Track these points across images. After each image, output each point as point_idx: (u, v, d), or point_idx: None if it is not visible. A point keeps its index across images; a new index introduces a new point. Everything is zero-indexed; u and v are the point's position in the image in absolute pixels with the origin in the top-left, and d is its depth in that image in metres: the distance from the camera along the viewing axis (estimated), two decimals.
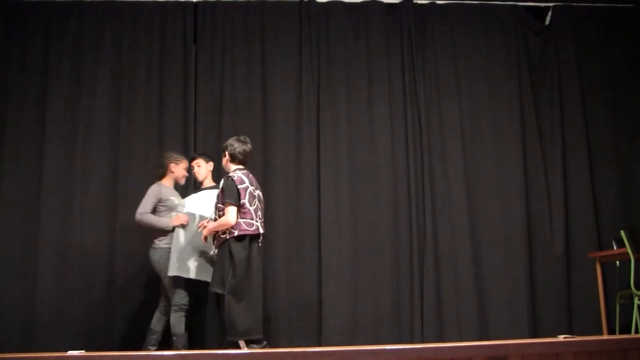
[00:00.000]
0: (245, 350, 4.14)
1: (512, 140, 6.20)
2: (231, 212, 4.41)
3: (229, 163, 4.66)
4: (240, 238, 4.42)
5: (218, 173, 5.34)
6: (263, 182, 5.82)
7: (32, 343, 5.38)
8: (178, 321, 4.76)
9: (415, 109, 6.17)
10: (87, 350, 4.26)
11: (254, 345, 4.34)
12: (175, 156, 5.20)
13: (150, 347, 4.83)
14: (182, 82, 6.04)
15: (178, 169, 5.14)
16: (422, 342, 5.61)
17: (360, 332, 5.70)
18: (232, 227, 4.42)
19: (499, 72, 6.35)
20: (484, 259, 5.96)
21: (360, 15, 6.33)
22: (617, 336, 4.87)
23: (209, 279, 4.68)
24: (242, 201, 4.44)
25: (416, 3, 6.41)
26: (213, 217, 4.67)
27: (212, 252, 4.71)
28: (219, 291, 4.38)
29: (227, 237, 4.43)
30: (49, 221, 5.66)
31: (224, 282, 4.36)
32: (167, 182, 5.14)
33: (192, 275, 4.76)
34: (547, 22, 6.57)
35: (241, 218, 4.44)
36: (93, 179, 5.77)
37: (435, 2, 6.45)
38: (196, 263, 4.78)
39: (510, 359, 3.24)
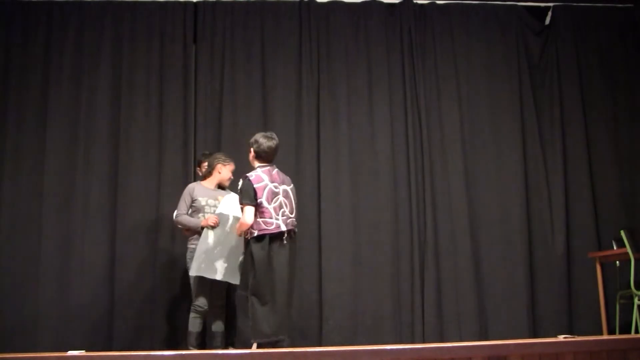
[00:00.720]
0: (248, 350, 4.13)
1: (512, 139, 6.20)
2: (247, 212, 4.35)
3: (254, 160, 4.60)
4: (259, 238, 4.36)
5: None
6: None
7: (33, 343, 5.38)
8: (192, 321, 4.79)
9: (415, 109, 6.17)
10: (87, 350, 4.26)
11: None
12: (224, 158, 5.20)
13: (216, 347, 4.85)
14: (182, 82, 6.04)
15: (225, 171, 5.12)
16: (423, 342, 5.61)
17: (360, 332, 5.70)
18: (252, 227, 4.37)
19: (499, 71, 6.35)
20: (484, 259, 5.96)
21: (360, 15, 6.32)
22: (617, 336, 4.87)
23: (233, 282, 4.71)
24: (259, 200, 4.38)
25: (416, 3, 6.41)
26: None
27: (241, 258, 4.66)
28: (243, 293, 4.41)
29: (249, 238, 4.41)
30: (50, 221, 5.67)
31: (247, 283, 4.35)
32: (208, 183, 5.14)
33: (218, 276, 4.70)
34: (547, 22, 6.57)
35: (260, 217, 4.37)
36: (93, 179, 5.77)
37: (435, 2, 6.45)
38: (225, 264, 4.70)
39: (510, 359, 3.23)
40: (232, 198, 4.86)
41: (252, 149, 4.56)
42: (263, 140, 4.53)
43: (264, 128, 5.99)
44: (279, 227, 4.39)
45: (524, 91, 6.31)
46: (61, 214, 5.70)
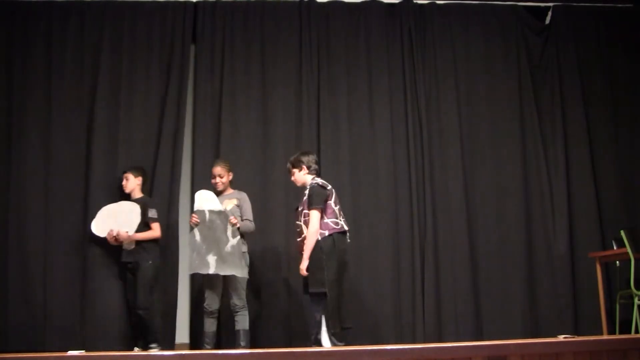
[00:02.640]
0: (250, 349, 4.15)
1: (513, 140, 6.20)
2: (316, 217, 4.68)
3: (305, 175, 4.90)
4: (329, 237, 4.68)
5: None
6: (263, 182, 5.84)
7: (33, 343, 5.38)
8: (204, 321, 4.97)
9: (415, 109, 6.17)
10: (87, 350, 4.26)
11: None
12: None
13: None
14: (181, 82, 6.03)
15: None
16: (423, 342, 5.60)
17: (360, 332, 5.69)
18: (321, 228, 4.67)
19: (499, 71, 6.35)
20: (485, 259, 5.96)
21: (360, 15, 6.33)
22: (617, 336, 4.87)
23: (226, 273, 4.87)
24: (328, 202, 4.73)
25: (416, 3, 6.41)
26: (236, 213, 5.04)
27: (229, 247, 4.89)
28: (321, 290, 4.58)
29: (319, 238, 4.64)
30: (51, 220, 5.66)
31: (322, 281, 4.58)
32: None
33: (211, 270, 4.87)
34: (547, 22, 6.58)
35: (328, 218, 4.71)
36: (92, 178, 5.76)
37: (435, 2, 6.45)
38: (215, 257, 4.88)
39: (510, 359, 3.23)
40: (203, 194, 5.07)
41: (303, 167, 4.90)
42: (308, 156, 4.95)
43: (264, 128, 6.01)
44: (343, 227, 4.76)
45: (524, 91, 6.31)
46: (62, 213, 5.69)
